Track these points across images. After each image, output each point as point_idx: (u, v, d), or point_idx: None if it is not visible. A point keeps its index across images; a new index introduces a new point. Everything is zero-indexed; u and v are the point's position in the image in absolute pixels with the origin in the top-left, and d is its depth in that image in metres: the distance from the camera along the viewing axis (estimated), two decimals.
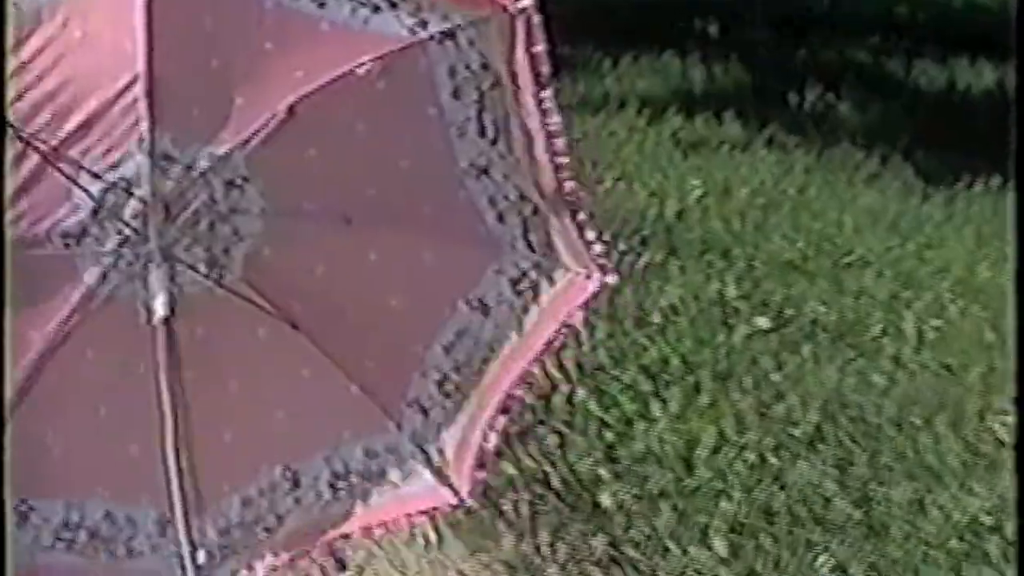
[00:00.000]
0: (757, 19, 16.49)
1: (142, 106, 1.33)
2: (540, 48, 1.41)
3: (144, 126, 1.34)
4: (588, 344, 4.05)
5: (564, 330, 1.59)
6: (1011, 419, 3.89)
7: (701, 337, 4.51)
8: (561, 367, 3.49)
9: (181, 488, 1.47)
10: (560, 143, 1.48)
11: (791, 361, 4.45)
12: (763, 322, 4.75)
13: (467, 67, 1.43)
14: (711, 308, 4.85)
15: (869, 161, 7.52)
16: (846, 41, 13.93)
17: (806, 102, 9.08)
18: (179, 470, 1.46)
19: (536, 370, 1.59)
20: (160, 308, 1.42)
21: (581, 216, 1.52)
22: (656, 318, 4.57)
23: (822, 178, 7.03)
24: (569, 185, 1.50)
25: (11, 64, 1.28)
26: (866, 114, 8.87)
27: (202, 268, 1.46)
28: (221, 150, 1.38)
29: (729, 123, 8.13)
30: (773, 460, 3.73)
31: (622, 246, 4.91)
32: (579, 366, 3.72)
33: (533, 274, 1.57)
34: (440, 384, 1.61)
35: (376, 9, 1.38)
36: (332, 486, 1.63)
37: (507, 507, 3.27)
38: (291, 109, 1.37)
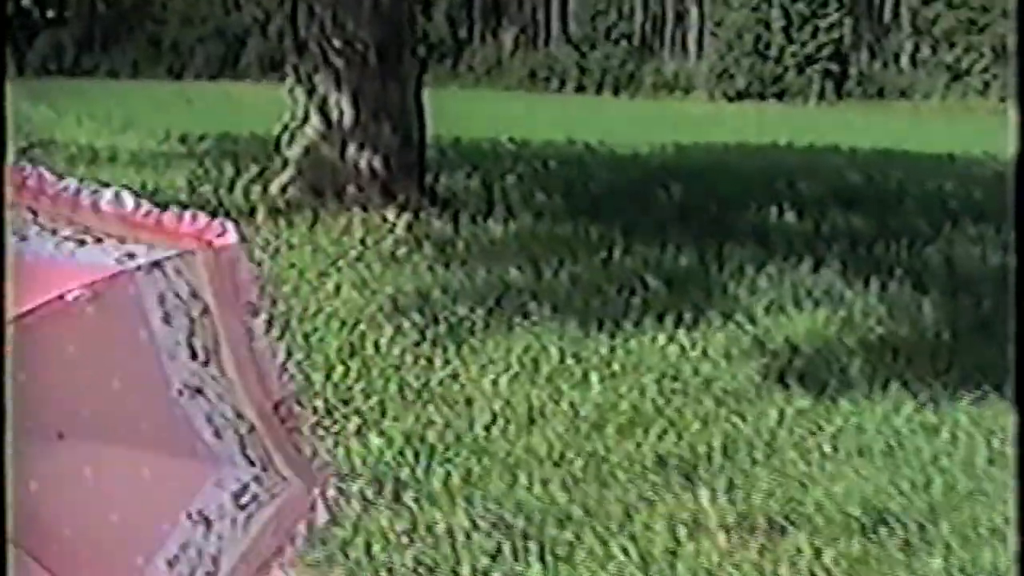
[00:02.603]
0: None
1: None
2: (245, 278, 1.41)
3: None
4: None
5: (289, 541, 1.56)
6: None
7: None
8: None
9: None
10: (266, 366, 1.46)
11: None
12: None
13: (176, 295, 1.39)
14: None
15: None
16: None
17: None
18: None
19: None
20: None
21: (295, 433, 1.49)
22: None
23: None
24: (282, 404, 1.48)
25: None
26: None
27: None
28: None
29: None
30: None
31: None
32: None
33: (254, 487, 1.50)
34: None
35: (81, 243, 1.37)
36: None
37: None
38: None
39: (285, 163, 11.43)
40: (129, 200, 1.39)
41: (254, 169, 13.87)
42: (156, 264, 1.38)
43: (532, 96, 58.27)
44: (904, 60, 77.17)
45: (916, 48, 76.59)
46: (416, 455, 4.87)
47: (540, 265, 9.23)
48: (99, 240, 1.38)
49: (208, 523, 1.49)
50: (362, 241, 9.71)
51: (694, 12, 76.21)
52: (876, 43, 76.60)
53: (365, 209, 10.57)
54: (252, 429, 1.49)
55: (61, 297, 1.34)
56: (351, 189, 10.97)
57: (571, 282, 8.84)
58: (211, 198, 11.54)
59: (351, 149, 11.04)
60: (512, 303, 7.77)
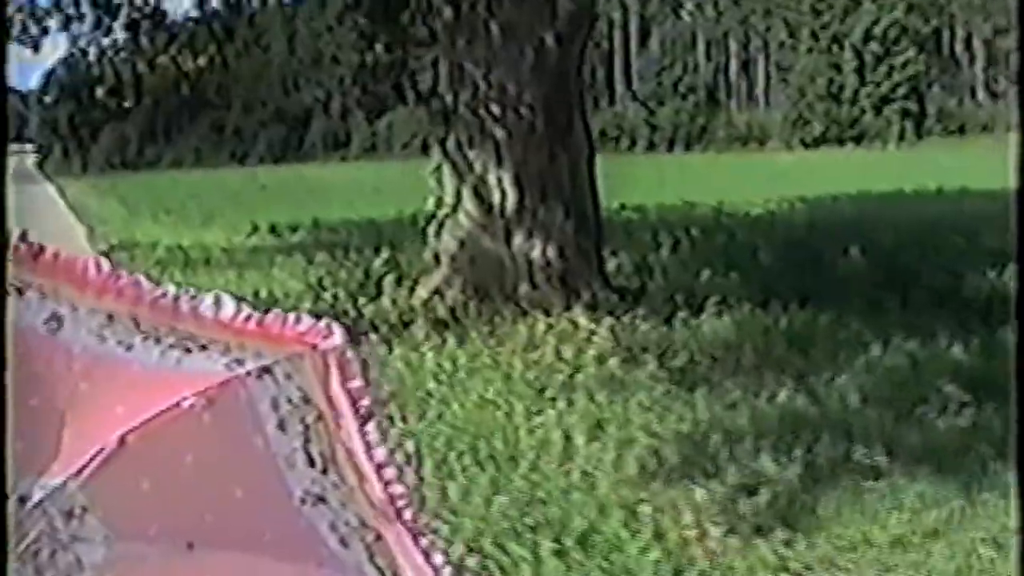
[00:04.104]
0: None
1: None
2: (357, 383, 1.41)
3: None
4: None
5: None
6: None
7: None
8: None
9: None
10: (390, 472, 1.43)
11: None
12: None
13: (288, 400, 1.40)
14: None
15: None
16: None
17: None
18: None
19: None
20: None
21: (424, 541, 1.47)
22: None
23: None
24: (407, 512, 1.45)
25: None
26: None
27: None
28: (54, 481, 1.32)
29: None
30: None
31: None
32: None
33: None
34: None
35: (187, 351, 1.37)
36: None
37: None
38: (121, 440, 1.32)
39: (436, 258, 9.31)
40: (230, 305, 1.36)
41: (377, 264, 11.85)
42: (266, 369, 1.37)
43: (604, 157, 56.32)
44: (981, 93, 74.43)
45: (993, 80, 73.84)
46: None
47: (808, 379, 7.02)
48: (204, 347, 1.36)
49: None
50: (560, 357, 7.54)
51: (760, 60, 74.07)
52: (951, 78, 73.98)
53: (547, 312, 8.40)
54: (379, 538, 1.44)
55: (177, 405, 1.33)
56: (524, 287, 8.82)
57: (860, 400, 6.62)
58: (346, 307, 9.43)
59: (518, 238, 8.90)
60: (825, 450, 5.55)
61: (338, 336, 1.37)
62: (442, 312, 8.61)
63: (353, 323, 8.92)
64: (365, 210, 22.48)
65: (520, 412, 6.41)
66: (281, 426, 1.38)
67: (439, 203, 9.30)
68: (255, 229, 19.50)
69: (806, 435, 5.80)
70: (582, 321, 8.19)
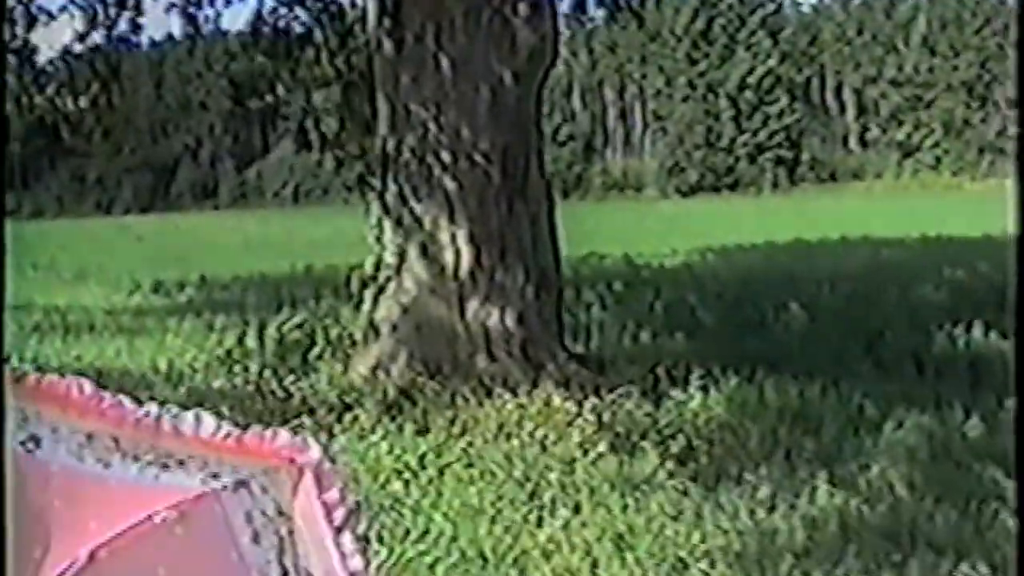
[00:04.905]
0: None
1: None
2: (333, 496, 1.41)
3: None
4: None
5: None
6: None
7: None
8: None
9: None
10: None
11: None
12: None
13: (263, 513, 1.41)
14: None
15: None
16: None
17: None
18: None
19: None
20: None
21: None
22: None
23: None
24: None
25: None
26: None
27: None
28: None
29: None
30: None
31: None
32: None
33: None
34: None
35: (165, 467, 1.37)
36: None
37: None
38: (91, 555, 1.31)
39: (373, 327, 8.10)
40: (210, 423, 1.38)
41: (289, 328, 10.57)
42: (241, 483, 1.38)
43: None
44: (853, 141, 75.89)
45: (864, 128, 75.38)
46: None
47: (836, 469, 6.04)
48: (181, 463, 1.37)
49: None
50: (544, 448, 6.42)
51: (637, 108, 74.35)
52: (823, 127, 75.25)
53: (513, 391, 7.26)
54: None
55: (149, 518, 1.32)
56: (481, 361, 7.67)
57: (911, 495, 5.65)
58: (271, 384, 8.15)
59: (473, 303, 7.77)
60: (918, 567, 4.55)
61: (315, 451, 1.38)
62: (391, 392, 7.40)
63: (282, 404, 7.68)
64: (253, 264, 21.06)
65: (519, 522, 5.27)
66: (255, 538, 1.37)
67: (379, 264, 8.11)
68: (137, 286, 17.96)
69: (884, 547, 4.79)
70: (556, 401, 7.09)
